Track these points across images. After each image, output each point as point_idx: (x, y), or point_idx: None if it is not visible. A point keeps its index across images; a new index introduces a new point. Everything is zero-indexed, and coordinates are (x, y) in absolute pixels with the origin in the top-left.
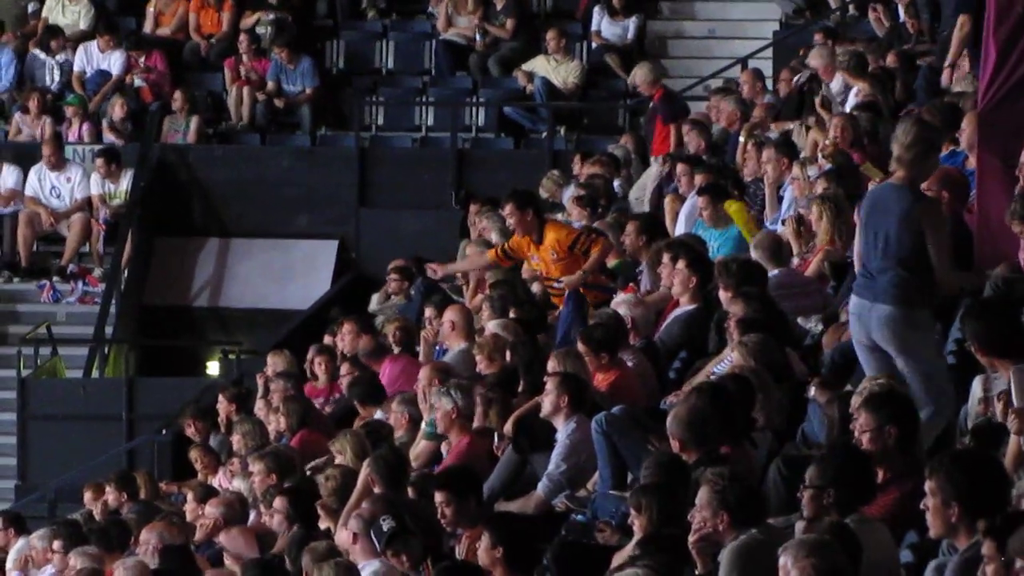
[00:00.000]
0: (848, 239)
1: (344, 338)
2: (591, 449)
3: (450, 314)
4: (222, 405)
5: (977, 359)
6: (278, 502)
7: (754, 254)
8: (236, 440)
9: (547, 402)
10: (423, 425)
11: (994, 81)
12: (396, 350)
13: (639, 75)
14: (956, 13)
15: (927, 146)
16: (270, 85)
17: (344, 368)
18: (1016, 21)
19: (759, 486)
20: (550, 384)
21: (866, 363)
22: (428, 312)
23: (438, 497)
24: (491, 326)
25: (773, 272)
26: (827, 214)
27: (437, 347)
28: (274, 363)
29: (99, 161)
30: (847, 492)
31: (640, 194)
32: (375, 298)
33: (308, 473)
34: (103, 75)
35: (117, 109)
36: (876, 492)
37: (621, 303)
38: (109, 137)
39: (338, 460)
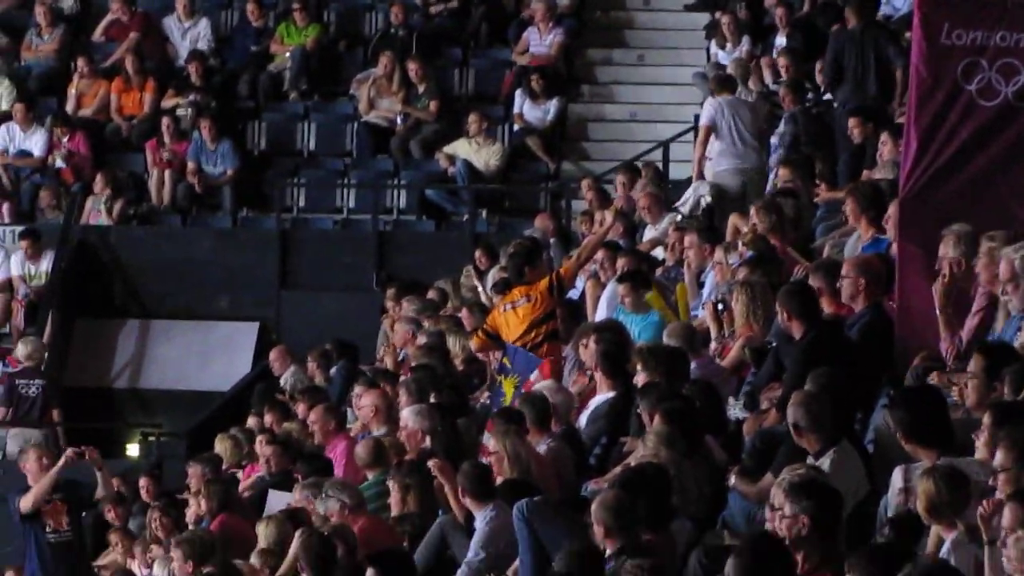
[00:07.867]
0: (768, 325)
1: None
2: (511, 536)
3: (371, 398)
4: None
5: (901, 447)
6: None
7: (667, 342)
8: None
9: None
10: None
11: (915, 169)
12: None
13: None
14: None
15: None
16: (191, 166)
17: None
18: (937, 109)
19: None
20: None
21: None
22: (358, 389)
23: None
24: (406, 412)
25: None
26: (744, 299)
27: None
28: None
29: (24, 242)
30: None
31: None
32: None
33: None
34: (25, 155)
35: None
36: None
37: (544, 388)
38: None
39: (261, 545)
